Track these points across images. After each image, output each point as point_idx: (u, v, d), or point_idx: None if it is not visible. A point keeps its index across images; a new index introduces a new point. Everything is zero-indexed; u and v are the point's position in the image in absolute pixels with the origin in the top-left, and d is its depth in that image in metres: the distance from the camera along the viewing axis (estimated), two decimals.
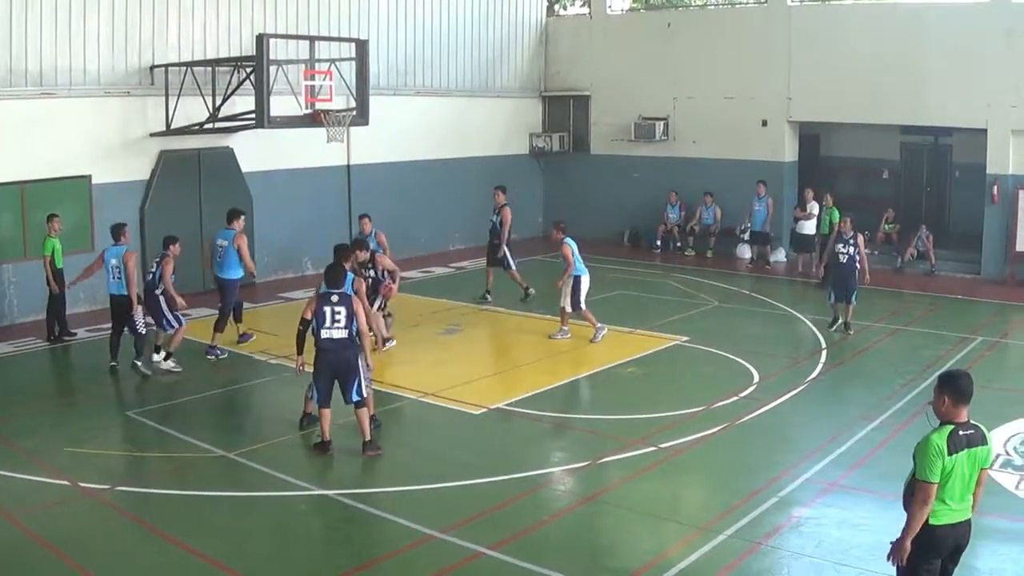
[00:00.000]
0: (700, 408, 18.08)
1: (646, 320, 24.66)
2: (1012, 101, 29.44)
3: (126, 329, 20.41)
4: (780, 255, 33.76)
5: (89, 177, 25.38)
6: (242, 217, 22.47)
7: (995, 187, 30.08)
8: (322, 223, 29.76)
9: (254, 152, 28.37)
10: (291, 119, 25.06)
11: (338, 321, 15.32)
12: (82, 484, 14.42)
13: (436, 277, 31.14)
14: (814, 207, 30.69)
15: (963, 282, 29.67)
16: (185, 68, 26.16)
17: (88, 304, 25.32)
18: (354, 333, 15.41)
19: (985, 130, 30.28)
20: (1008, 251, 29.65)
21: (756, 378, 20.02)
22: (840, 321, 23.62)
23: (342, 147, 29.61)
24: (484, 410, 17.90)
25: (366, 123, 26.89)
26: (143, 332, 20.36)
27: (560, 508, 14.32)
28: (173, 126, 26.16)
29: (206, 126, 26.20)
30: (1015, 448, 16.02)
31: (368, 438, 15.56)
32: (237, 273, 22.10)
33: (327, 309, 15.35)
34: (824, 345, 22.67)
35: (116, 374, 20.26)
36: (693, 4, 38.89)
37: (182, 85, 26.05)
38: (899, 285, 29.55)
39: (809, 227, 30.81)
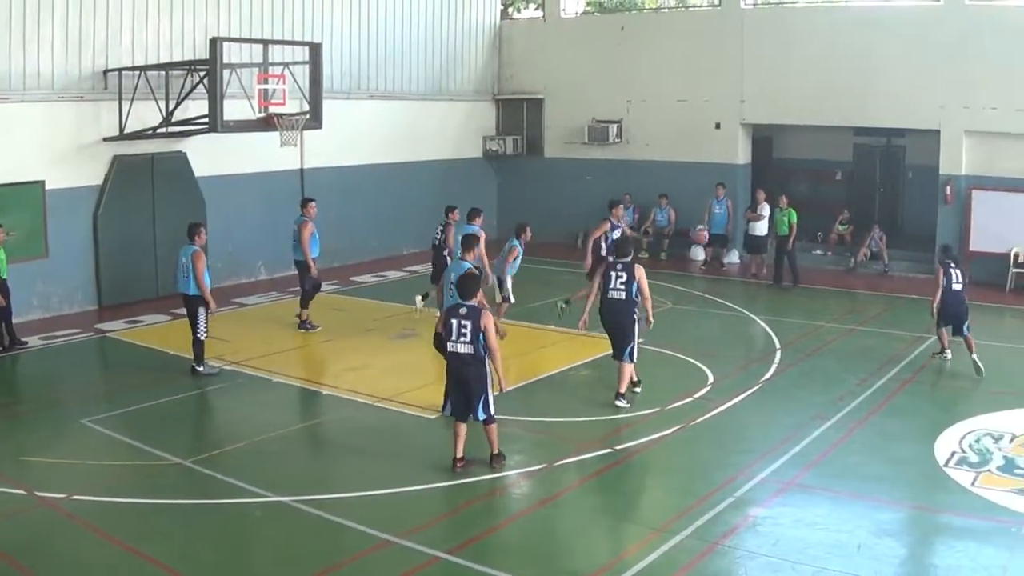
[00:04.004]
0: (655, 410, 18.17)
1: (599, 323, 24.62)
2: (965, 102, 29.74)
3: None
4: (734, 256, 33.91)
5: (42, 183, 25.05)
6: (312, 204, 24.42)
7: (948, 187, 30.38)
8: (275, 227, 29.60)
9: (207, 156, 28.14)
10: (244, 123, 24.98)
11: (464, 335, 14.82)
12: (38, 493, 14.32)
13: (390, 281, 31.06)
14: (765, 208, 30.78)
15: (916, 282, 29.79)
16: (139, 72, 25.90)
17: (42, 311, 25.18)
18: (480, 349, 14.84)
19: (938, 131, 30.58)
20: (961, 251, 29.85)
21: (711, 379, 20.15)
22: (973, 357, 20.75)
23: (295, 151, 29.46)
24: (439, 414, 17.84)
25: (319, 127, 26.78)
26: (202, 337, 20.33)
27: (517, 511, 14.35)
28: (127, 130, 25.93)
29: (159, 130, 26.00)
30: (970, 445, 16.16)
31: (496, 451, 15.31)
32: (298, 254, 24.08)
33: (454, 322, 14.88)
34: (778, 345, 22.77)
35: (196, 374, 20.36)
36: (646, 7, 38.97)
37: (135, 89, 25.76)
38: (852, 285, 29.78)
39: (761, 228, 30.90)
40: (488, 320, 14.91)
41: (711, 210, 32.99)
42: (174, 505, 14.26)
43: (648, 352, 21.15)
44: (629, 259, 18.63)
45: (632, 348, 18.41)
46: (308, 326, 24.02)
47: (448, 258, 24.14)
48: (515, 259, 23.03)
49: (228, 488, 14.67)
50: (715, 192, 32.91)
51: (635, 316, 18.47)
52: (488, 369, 15.00)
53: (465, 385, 14.96)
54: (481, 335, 14.72)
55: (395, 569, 12.14)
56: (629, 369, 18.62)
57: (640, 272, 18.29)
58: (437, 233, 25.69)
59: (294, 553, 12.72)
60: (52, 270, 25.43)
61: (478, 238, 19.75)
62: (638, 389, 19.20)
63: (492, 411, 15.12)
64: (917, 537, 13.44)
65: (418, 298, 25.83)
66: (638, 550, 12.55)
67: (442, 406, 15.56)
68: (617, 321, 18.48)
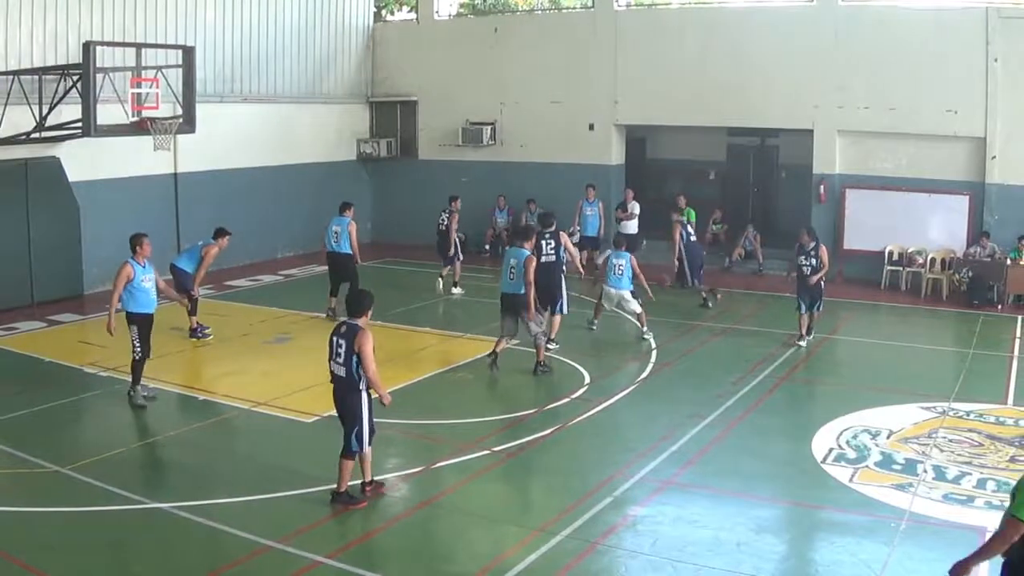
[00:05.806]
0: (532, 410, 18.18)
1: (476, 324, 24.58)
2: (838, 102, 30.24)
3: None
4: None
5: None
6: (227, 236, 24.36)
7: (822, 186, 30.84)
8: (149, 232, 29.19)
9: (81, 161, 27.50)
10: (117, 127, 24.51)
11: (339, 355, 13.62)
12: None
13: (265, 285, 30.75)
14: (635, 207, 31.21)
15: (791, 280, 30.05)
16: (12, 76, 25.37)
17: None
18: (354, 372, 13.55)
19: (811, 131, 31.00)
20: (836, 249, 30.22)
21: (587, 379, 20.18)
22: (804, 333, 23.06)
23: (169, 155, 28.93)
24: (316, 418, 17.64)
25: (193, 131, 26.37)
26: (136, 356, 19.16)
27: (396, 514, 14.17)
28: (0, 136, 25.43)
29: (33, 135, 25.45)
30: (848, 442, 16.32)
31: (342, 490, 14.09)
32: (187, 266, 23.93)
33: (334, 339, 13.73)
34: (654, 345, 22.87)
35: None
36: (520, 9, 38.98)
37: (9, 94, 25.13)
38: (728, 284, 29.88)
39: (631, 227, 31.22)
40: (365, 341, 13.50)
41: (582, 212, 32.80)
42: (53, 513, 13.90)
43: (524, 353, 21.11)
44: (553, 228, 22.95)
45: (563, 303, 22.64)
46: (200, 333, 23.70)
47: (457, 242, 28.77)
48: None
49: (107, 495, 14.32)
50: (585, 194, 32.70)
51: (562, 275, 22.81)
52: (365, 396, 13.88)
53: (340, 409, 14.01)
54: (355, 357, 13.52)
55: (276, 574, 12.01)
56: (559, 319, 22.59)
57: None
58: (441, 220, 28.92)
59: (174, 560, 12.50)
60: None
61: (535, 229, 21.95)
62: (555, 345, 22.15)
63: (364, 445, 13.90)
64: (797, 534, 13.51)
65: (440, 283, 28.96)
66: (518, 551, 12.48)
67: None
68: (550, 281, 22.16)
